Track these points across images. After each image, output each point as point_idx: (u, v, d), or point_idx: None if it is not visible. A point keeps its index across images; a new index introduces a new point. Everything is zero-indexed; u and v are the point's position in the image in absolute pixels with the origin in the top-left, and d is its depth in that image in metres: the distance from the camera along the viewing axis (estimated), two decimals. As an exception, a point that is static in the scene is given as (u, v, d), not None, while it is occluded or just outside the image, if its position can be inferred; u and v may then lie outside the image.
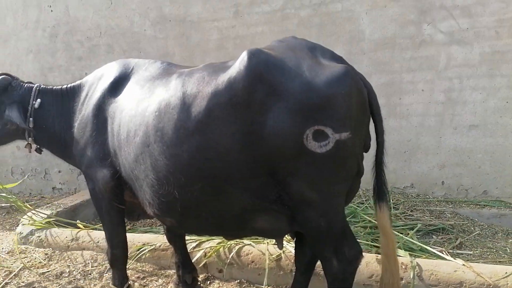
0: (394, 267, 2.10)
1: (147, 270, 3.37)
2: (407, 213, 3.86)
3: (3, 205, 3.45)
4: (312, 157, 1.80)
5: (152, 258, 3.39)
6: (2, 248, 3.90)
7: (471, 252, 3.23)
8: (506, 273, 2.52)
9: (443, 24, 3.77)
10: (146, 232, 3.97)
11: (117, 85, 2.49)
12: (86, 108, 2.57)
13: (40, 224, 3.95)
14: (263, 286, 2.95)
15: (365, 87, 1.93)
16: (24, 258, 3.63)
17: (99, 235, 3.68)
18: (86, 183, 2.66)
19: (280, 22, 4.28)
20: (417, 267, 2.67)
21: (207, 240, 3.34)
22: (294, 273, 2.89)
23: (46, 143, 2.83)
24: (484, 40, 3.67)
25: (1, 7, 5.63)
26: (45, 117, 2.73)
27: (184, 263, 2.98)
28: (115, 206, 2.55)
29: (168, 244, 3.35)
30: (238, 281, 3.10)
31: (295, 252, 2.48)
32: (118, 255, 2.67)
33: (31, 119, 2.70)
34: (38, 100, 2.73)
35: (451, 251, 3.22)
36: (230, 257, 3.12)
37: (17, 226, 4.47)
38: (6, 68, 5.78)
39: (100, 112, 2.46)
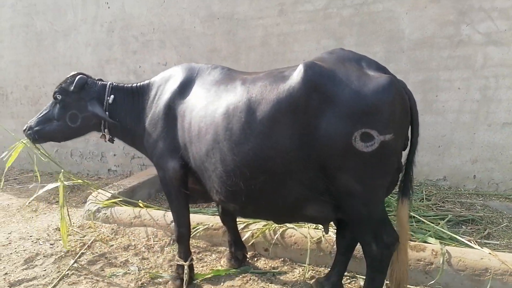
0: (404, 256, 2.42)
1: (201, 246, 3.82)
2: (438, 204, 4.10)
3: (66, 183, 3.94)
4: (358, 155, 2.09)
5: (206, 236, 3.84)
6: (73, 223, 4.47)
7: (498, 242, 3.46)
8: (531, 262, 2.77)
9: (481, 25, 3.91)
10: (196, 213, 4.44)
11: (184, 87, 2.82)
12: (157, 106, 2.92)
13: (106, 203, 4.51)
14: (305, 265, 3.34)
15: (406, 94, 2.19)
16: (93, 232, 4.19)
17: (158, 214, 4.18)
18: (156, 171, 3.08)
19: (323, 21, 4.53)
20: (446, 254, 2.96)
21: (254, 223, 3.75)
22: (333, 255, 3.26)
23: (120, 134, 3.18)
24: (522, 41, 3.80)
25: (61, 3, 6.16)
26: (118, 111, 3.08)
27: (236, 242, 3.39)
28: (182, 191, 2.92)
29: (219, 224, 3.80)
30: (282, 259, 3.49)
31: (336, 235, 2.80)
32: (184, 232, 3.05)
33: (106, 113, 3.03)
34: (112, 96, 3.07)
35: (479, 240, 3.46)
36: (275, 238, 3.51)
37: (83, 204, 5.07)
38: (67, 60, 6.37)
39: (170, 110, 2.81)
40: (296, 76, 2.19)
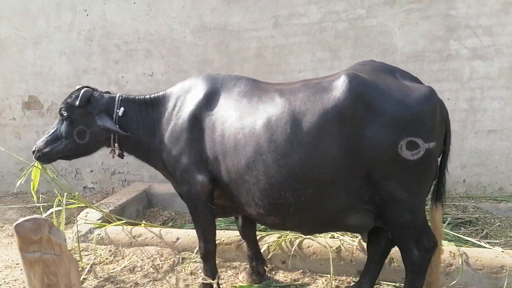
0: (438, 259, 2.52)
1: (213, 262, 3.70)
2: (435, 208, 4.33)
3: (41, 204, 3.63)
4: (404, 163, 2.17)
5: (217, 252, 3.71)
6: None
7: (497, 241, 3.74)
8: (536, 256, 3.02)
9: (467, 41, 4.26)
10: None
11: (211, 98, 2.72)
12: (179, 118, 2.78)
13: (98, 223, 4.21)
14: (326, 275, 3.35)
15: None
16: (88, 255, 3.88)
17: (161, 232, 3.98)
18: (177, 186, 2.91)
19: (318, 34, 4.66)
20: (464, 254, 3.14)
21: (267, 235, 3.70)
22: (354, 263, 3.31)
23: (131, 148, 3.04)
24: (503, 56, 4.18)
25: (33, 9, 5.73)
26: (129, 124, 2.92)
27: (257, 256, 3.32)
28: (209, 206, 2.80)
29: (231, 238, 3.71)
30: (301, 270, 3.47)
31: (369, 243, 2.81)
32: (210, 249, 2.94)
33: (116, 126, 2.87)
34: (122, 108, 2.92)
35: (481, 240, 3.72)
36: (292, 249, 3.50)
37: (66, 225, 4.67)
38: (37, 69, 5.92)
39: (197, 122, 2.69)
40: (341, 86, 2.23)
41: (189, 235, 3.90)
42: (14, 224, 1.45)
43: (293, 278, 3.45)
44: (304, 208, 2.44)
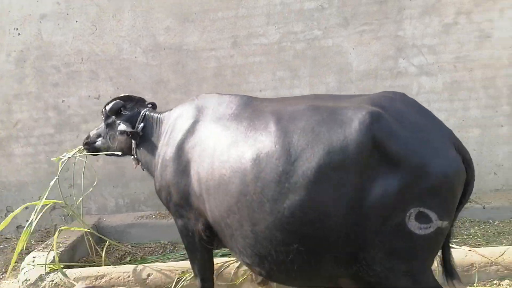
0: None
1: (194, 295, 3.41)
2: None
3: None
4: (409, 235, 1.79)
5: (195, 285, 3.45)
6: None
7: (456, 240, 4.01)
8: (501, 252, 3.25)
9: (414, 59, 4.62)
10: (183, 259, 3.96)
11: (197, 126, 2.42)
12: (167, 147, 2.54)
13: (50, 266, 3.66)
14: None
15: (468, 174, 1.89)
16: (42, 306, 3.35)
17: (127, 269, 3.59)
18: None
19: (277, 54, 4.70)
20: (438, 257, 3.29)
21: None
22: None
23: (145, 164, 3.00)
24: (446, 72, 4.60)
25: None
26: (145, 142, 2.90)
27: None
28: (205, 245, 2.55)
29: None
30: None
31: None
32: (208, 287, 2.74)
33: (134, 142, 2.94)
34: (142, 124, 2.88)
35: (455, 241, 3.93)
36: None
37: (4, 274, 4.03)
38: (-46, 95, 5.09)
39: (183, 153, 2.41)
40: (360, 124, 1.80)
41: (161, 269, 3.57)
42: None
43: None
44: (287, 267, 2.03)
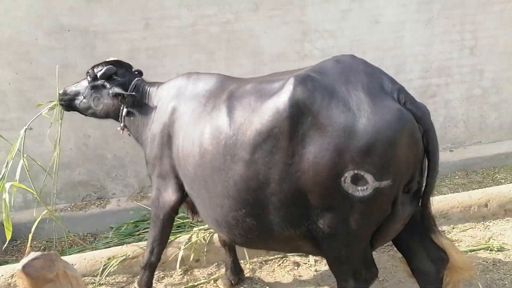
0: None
1: (121, 280, 3.43)
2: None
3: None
4: (346, 198, 1.81)
5: (123, 269, 3.46)
6: None
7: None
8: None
9: (317, 43, 5.07)
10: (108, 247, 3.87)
11: (180, 104, 2.57)
12: (155, 124, 2.70)
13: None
14: (241, 261, 3.51)
15: (418, 130, 1.83)
16: None
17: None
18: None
19: (192, 36, 4.76)
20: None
21: (176, 238, 3.62)
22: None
23: (134, 134, 3.01)
24: (344, 55, 5.14)
25: None
26: (135, 110, 2.89)
27: (232, 265, 3.24)
28: (173, 217, 2.77)
29: (137, 251, 3.50)
30: (216, 264, 3.56)
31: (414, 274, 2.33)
32: (152, 261, 2.86)
33: (125, 109, 2.90)
34: (133, 93, 2.86)
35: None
36: (205, 246, 3.53)
37: None
38: None
39: (165, 129, 2.59)
40: (284, 93, 1.88)
41: (85, 258, 3.50)
42: (20, 266, 1.17)
43: (208, 273, 3.50)
44: (244, 231, 2.21)
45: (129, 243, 3.78)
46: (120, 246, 3.60)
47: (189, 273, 3.49)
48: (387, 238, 2.14)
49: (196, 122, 2.35)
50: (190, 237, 3.59)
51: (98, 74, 2.93)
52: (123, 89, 2.86)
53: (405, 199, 1.96)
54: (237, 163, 2.00)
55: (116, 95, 2.87)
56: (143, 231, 4.19)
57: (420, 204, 2.07)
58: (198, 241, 3.53)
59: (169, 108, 2.61)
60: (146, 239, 3.83)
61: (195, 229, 3.72)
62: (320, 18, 4.98)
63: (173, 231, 3.93)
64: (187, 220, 4.06)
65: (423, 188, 2.05)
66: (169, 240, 3.58)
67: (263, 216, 2.05)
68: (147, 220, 4.34)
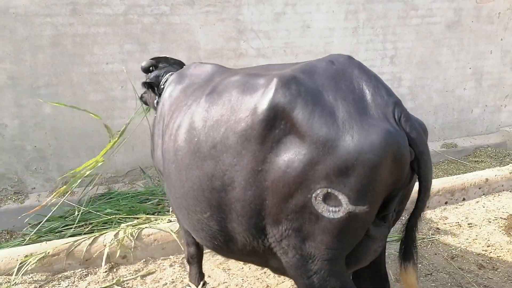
0: None
1: (39, 279, 3.26)
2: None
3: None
4: (315, 217, 1.61)
5: (42, 267, 3.29)
6: None
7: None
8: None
9: (253, 42, 5.18)
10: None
11: (172, 93, 2.52)
12: (160, 108, 2.61)
13: None
14: (170, 257, 3.50)
15: (416, 150, 1.63)
16: None
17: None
18: None
19: (124, 26, 4.59)
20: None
21: (101, 234, 3.51)
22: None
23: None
24: (278, 56, 5.32)
25: None
26: (159, 99, 2.79)
27: None
28: None
29: (57, 248, 3.34)
30: (144, 260, 3.51)
31: None
32: (193, 252, 2.82)
33: (156, 99, 2.86)
34: (163, 87, 2.78)
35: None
36: (133, 243, 3.47)
37: None
38: None
39: (162, 119, 2.52)
40: (264, 94, 1.70)
41: (6, 256, 3.26)
42: None
43: (135, 269, 3.45)
44: (209, 237, 2.02)
45: (50, 240, 3.57)
46: (39, 243, 3.38)
47: (114, 270, 3.39)
48: (366, 260, 1.87)
49: (176, 115, 2.20)
50: (117, 233, 3.50)
51: (140, 69, 3.04)
52: (156, 81, 2.86)
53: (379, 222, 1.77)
54: (205, 160, 1.84)
55: (144, 86, 2.93)
56: (65, 227, 3.98)
57: (405, 228, 1.83)
58: (126, 237, 3.46)
59: (166, 99, 2.52)
60: (69, 236, 3.69)
61: (122, 225, 3.63)
62: (256, 19, 5.10)
63: (99, 228, 3.84)
64: (114, 216, 3.95)
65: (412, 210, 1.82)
66: (95, 237, 3.49)
67: (226, 223, 1.87)
68: (69, 217, 4.12)
